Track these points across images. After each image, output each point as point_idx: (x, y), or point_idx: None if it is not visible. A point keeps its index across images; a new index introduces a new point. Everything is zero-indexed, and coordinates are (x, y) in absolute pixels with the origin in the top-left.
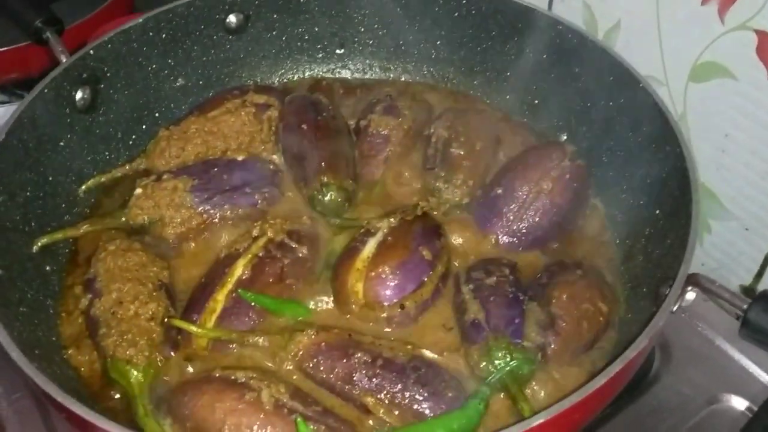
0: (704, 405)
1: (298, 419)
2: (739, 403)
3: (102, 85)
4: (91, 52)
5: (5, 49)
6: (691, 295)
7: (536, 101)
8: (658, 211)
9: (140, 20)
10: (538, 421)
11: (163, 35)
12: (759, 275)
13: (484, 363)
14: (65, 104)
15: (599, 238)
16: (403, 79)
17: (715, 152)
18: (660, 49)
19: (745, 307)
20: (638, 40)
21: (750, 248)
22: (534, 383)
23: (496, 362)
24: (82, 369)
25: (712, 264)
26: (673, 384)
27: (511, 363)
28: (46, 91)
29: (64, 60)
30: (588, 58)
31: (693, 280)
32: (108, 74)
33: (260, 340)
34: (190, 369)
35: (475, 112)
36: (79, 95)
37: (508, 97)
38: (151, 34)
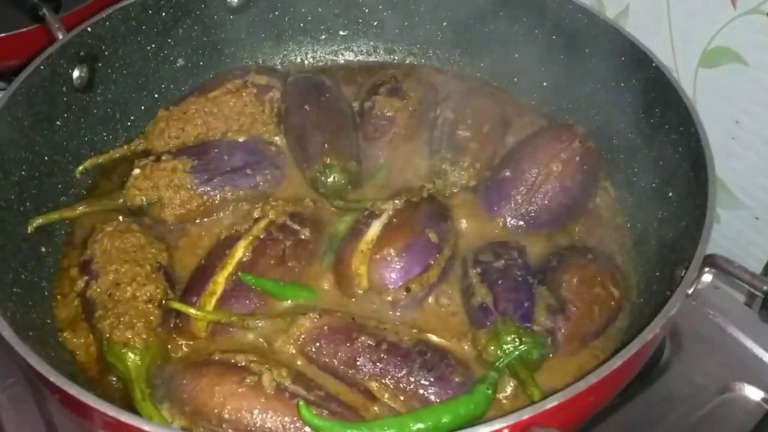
0: (716, 394)
1: (300, 403)
2: (753, 393)
3: (100, 64)
4: (89, 29)
5: (4, 35)
6: (707, 277)
7: (545, 83)
8: (671, 194)
9: None
10: (552, 403)
11: (163, 14)
12: None
13: (492, 347)
14: (62, 82)
15: (610, 222)
16: (408, 61)
17: (725, 139)
18: (670, 34)
19: (765, 288)
20: (647, 26)
21: (760, 238)
22: None
23: (505, 346)
24: (78, 353)
25: (722, 254)
26: (684, 373)
27: (520, 347)
28: (42, 68)
29: (60, 37)
30: (598, 38)
31: (710, 261)
32: (106, 53)
33: (261, 324)
34: (189, 352)
35: (482, 94)
36: (76, 74)
37: (516, 79)
38: (150, 12)
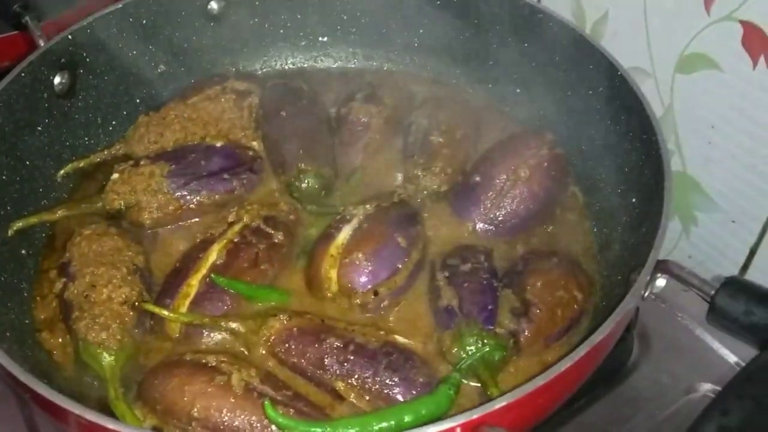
0: (681, 394)
1: (266, 402)
2: (716, 393)
3: (81, 71)
4: (70, 36)
5: None
6: (661, 281)
7: (518, 90)
8: (634, 200)
9: (120, 5)
10: (500, 404)
11: (144, 21)
12: (745, 267)
13: (455, 349)
14: (43, 89)
15: (577, 227)
16: (386, 67)
17: (702, 144)
18: (647, 40)
19: (712, 292)
20: (626, 31)
21: (736, 241)
22: None
23: (468, 348)
24: (55, 352)
25: (699, 256)
26: (651, 373)
27: (482, 349)
28: (23, 75)
29: (42, 44)
30: (568, 47)
31: (663, 267)
32: (87, 59)
33: (233, 325)
34: (163, 353)
35: (456, 100)
36: (57, 80)
37: (490, 85)
38: (131, 19)
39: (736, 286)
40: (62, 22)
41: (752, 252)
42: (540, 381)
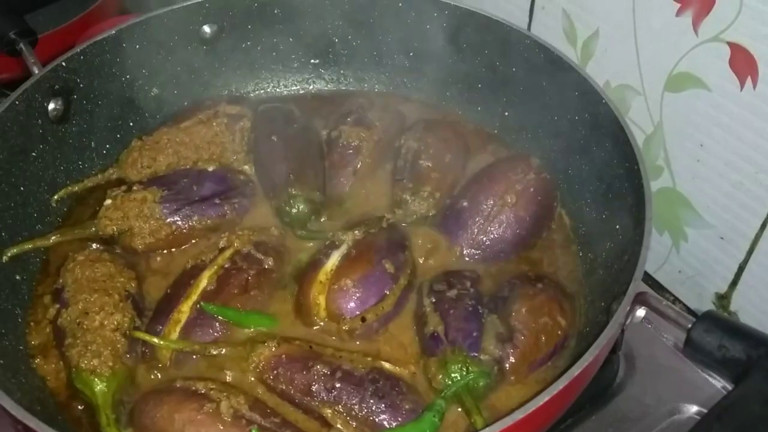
0: (666, 416)
1: (253, 430)
2: (700, 415)
3: (75, 96)
4: (64, 63)
5: None
6: (641, 312)
7: (506, 113)
8: (618, 226)
9: (113, 32)
10: None
11: (137, 46)
12: (734, 284)
13: (441, 376)
14: (37, 115)
15: (564, 251)
16: (377, 89)
17: (691, 162)
18: (637, 58)
19: (689, 326)
20: (616, 50)
21: (725, 257)
22: None
23: (452, 375)
24: (49, 378)
25: (689, 271)
26: (636, 394)
27: (466, 376)
28: (17, 103)
29: (36, 71)
30: (554, 72)
31: (641, 299)
32: (81, 85)
33: (223, 352)
34: (154, 380)
35: (446, 123)
36: (51, 106)
37: (479, 108)
38: (124, 45)
39: (711, 320)
40: (57, 37)
41: (741, 268)
42: (518, 415)
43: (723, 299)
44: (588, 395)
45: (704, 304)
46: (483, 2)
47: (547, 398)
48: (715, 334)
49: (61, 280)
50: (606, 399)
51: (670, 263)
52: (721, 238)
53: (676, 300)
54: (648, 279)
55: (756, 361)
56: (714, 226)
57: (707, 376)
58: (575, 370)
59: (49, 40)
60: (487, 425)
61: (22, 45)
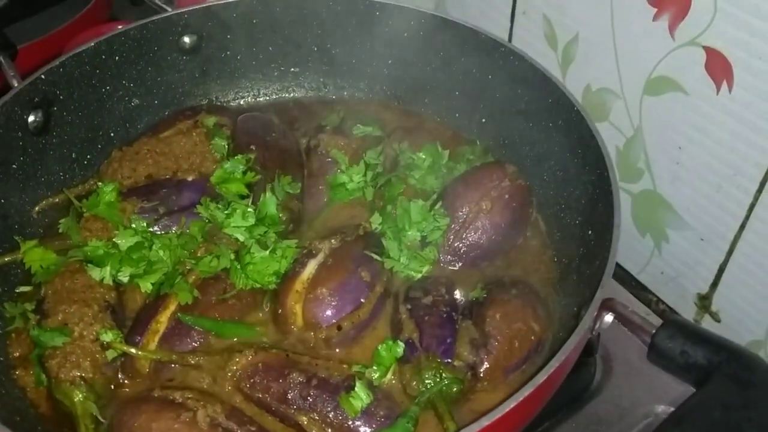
0: (642, 418)
1: None
2: None
3: (55, 108)
4: (43, 76)
5: None
6: (609, 317)
7: (483, 120)
8: (590, 232)
9: (92, 44)
10: None
11: (117, 58)
12: (714, 284)
13: (415, 382)
14: (17, 128)
15: (540, 256)
16: (356, 97)
17: (671, 164)
18: (616, 62)
19: (652, 332)
20: (596, 54)
21: (705, 258)
22: None
23: (426, 381)
24: (29, 389)
25: (671, 273)
26: (612, 397)
27: (439, 383)
28: None
29: (15, 84)
30: (529, 80)
31: (608, 305)
32: (61, 97)
33: (201, 361)
34: (132, 389)
35: (424, 130)
36: (31, 118)
37: (457, 115)
38: (104, 57)
39: (674, 327)
40: (37, 47)
41: (721, 269)
42: (484, 422)
43: (704, 300)
44: (565, 398)
45: (687, 304)
46: (465, 7)
47: (513, 404)
48: (678, 340)
49: (42, 292)
50: (583, 402)
51: (652, 265)
52: (702, 239)
53: (659, 301)
54: (632, 280)
55: (717, 366)
56: (694, 227)
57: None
58: (541, 377)
59: (30, 51)
60: (458, 429)
61: (1, 58)
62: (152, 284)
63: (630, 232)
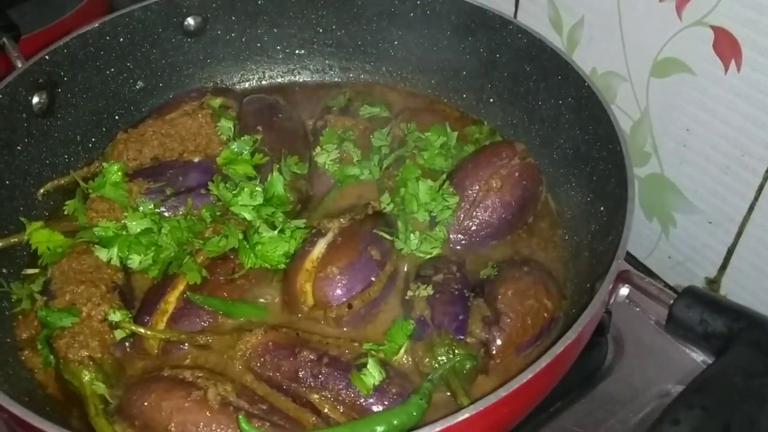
0: (654, 398)
1: (240, 416)
2: None
3: (59, 90)
4: (47, 57)
5: None
6: (624, 290)
7: (491, 99)
8: (602, 208)
9: (96, 25)
10: (462, 416)
11: (121, 39)
12: (723, 268)
13: (427, 359)
14: (22, 109)
15: (550, 235)
16: (362, 78)
17: (678, 146)
18: (622, 45)
19: (670, 302)
20: (601, 36)
21: (714, 241)
22: None
23: (439, 358)
24: (37, 371)
25: (679, 257)
26: (625, 377)
27: (453, 359)
28: (0, 96)
29: (20, 65)
30: (538, 57)
31: (624, 277)
32: (65, 79)
33: (210, 341)
34: (142, 369)
35: (431, 111)
36: (36, 100)
37: (464, 95)
38: (108, 38)
39: (692, 296)
40: (41, 37)
41: (730, 252)
42: (502, 392)
43: (713, 284)
44: (577, 378)
45: None
46: None
47: (530, 376)
48: (697, 309)
49: (48, 273)
50: (595, 382)
51: (659, 249)
52: (710, 222)
53: (666, 286)
54: (638, 266)
55: (737, 334)
56: (702, 210)
57: (695, 357)
58: (558, 348)
59: (31, 41)
60: (471, 403)
61: (5, 39)
62: (159, 269)
63: (637, 217)
